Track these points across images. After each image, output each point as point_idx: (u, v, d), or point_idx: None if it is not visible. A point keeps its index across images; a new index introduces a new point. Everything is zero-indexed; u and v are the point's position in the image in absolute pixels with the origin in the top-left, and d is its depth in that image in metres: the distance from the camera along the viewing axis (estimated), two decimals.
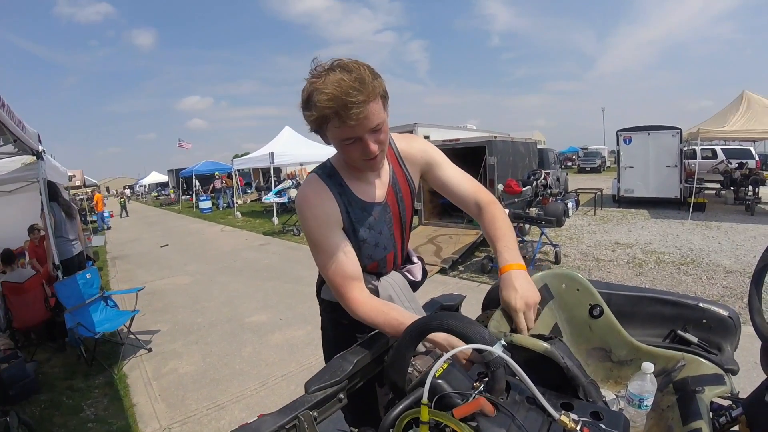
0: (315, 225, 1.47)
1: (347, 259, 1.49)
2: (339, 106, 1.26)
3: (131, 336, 5.32)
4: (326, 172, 1.57)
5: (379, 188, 1.63)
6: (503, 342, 0.97)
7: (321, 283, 1.83)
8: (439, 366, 0.97)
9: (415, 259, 1.93)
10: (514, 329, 1.32)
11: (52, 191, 6.06)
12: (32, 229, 7.28)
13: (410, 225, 1.82)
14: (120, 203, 28.76)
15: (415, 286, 1.85)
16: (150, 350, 5.25)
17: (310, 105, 1.31)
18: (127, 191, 48.18)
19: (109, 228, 19.98)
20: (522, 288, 1.36)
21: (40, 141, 5.11)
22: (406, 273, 1.84)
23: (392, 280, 1.72)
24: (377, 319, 1.40)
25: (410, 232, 1.85)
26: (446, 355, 1.00)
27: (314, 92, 1.29)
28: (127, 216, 26.55)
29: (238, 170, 22.01)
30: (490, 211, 1.67)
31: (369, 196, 1.60)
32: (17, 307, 5.20)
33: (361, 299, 1.46)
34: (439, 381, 0.97)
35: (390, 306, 1.46)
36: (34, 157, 5.34)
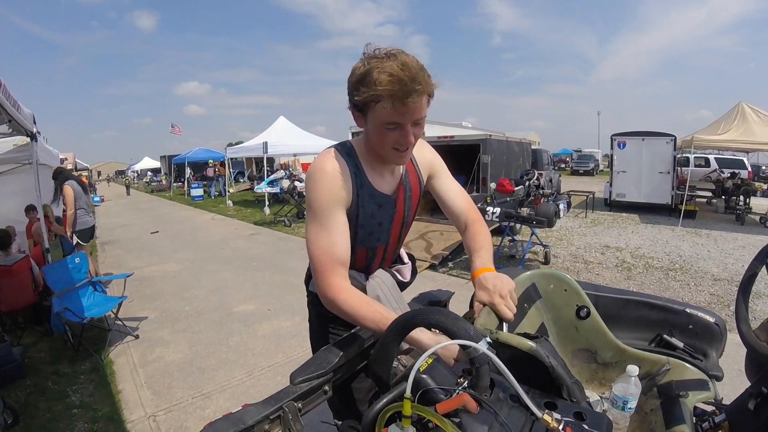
0: (324, 195, 1.45)
1: (342, 242, 1.47)
2: (398, 90, 1.29)
3: (118, 322, 5.30)
4: (346, 150, 1.56)
5: (390, 183, 1.64)
6: (488, 339, 0.97)
7: (310, 275, 1.80)
8: (424, 361, 0.98)
9: (406, 259, 1.94)
10: (500, 327, 1.32)
11: (66, 171, 6.91)
12: (29, 209, 7.27)
13: (409, 226, 1.81)
14: (125, 184, 36.99)
15: (402, 286, 1.85)
16: (137, 337, 5.23)
17: (367, 82, 1.32)
18: (130, 173, 51.38)
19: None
20: (493, 284, 1.40)
21: (35, 122, 5.08)
22: (396, 273, 1.84)
23: (380, 280, 1.71)
24: (360, 310, 1.35)
25: (407, 233, 1.85)
26: (430, 350, 1.00)
27: (374, 70, 1.30)
28: (129, 195, 31.14)
29: (231, 159, 21.93)
30: (474, 227, 1.72)
31: (380, 187, 1.60)
32: (5, 290, 5.13)
33: (344, 287, 1.42)
34: (423, 376, 0.97)
35: (373, 301, 1.44)
36: (27, 139, 5.31)
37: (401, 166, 1.66)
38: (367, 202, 1.56)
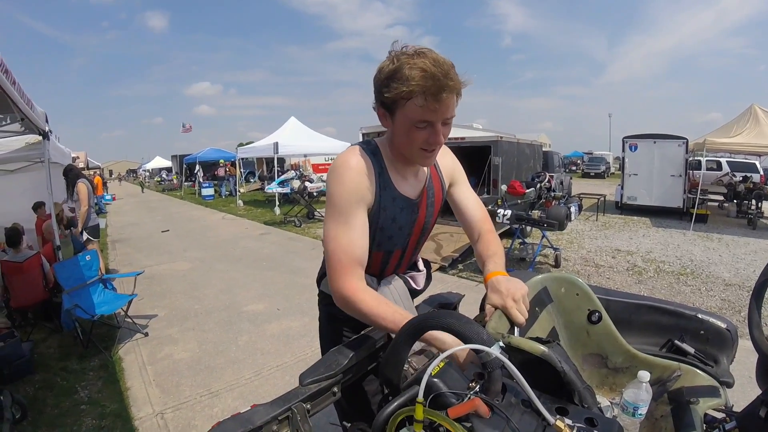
0: (348, 192, 1.42)
1: (362, 242, 1.44)
2: (432, 85, 1.26)
3: (128, 320, 5.33)
4: (371, 149, 1.54)
5: (414, 186, 1.61)
6: (501, 344, 0.97)
7: (322, 275, 1.79)
8: (436, 364, 0.97)
9: (422, 267, 1.91)
10: (512, 330, 1.31)
11: (77, 169, 7.26)
12: (38, 206, 7.35)
13: (429, 233, 1.79)
14: (140, 184, 41.60)
15: (414, 293, 1.84)
16: (146, 335, 5.25)
17: (399, 78, 1.30)
18: (142, 172, 52.84)
19: (105, 212, 19.82)
20: (506, 287, 1.38)
21: (47, 121, 5.12)
22: (409, 279, 1.82)
23: (393, 287, 1.70)
24: (378, 309, 1.32)
25: (426, 240, 1.82)
26: (443, 354, 0.99)
27: (405, 66, 1.29)
28: (143, 193, 32.84)
29: (242, 159, 22.01)
30: (488, 238, 1.71)
31: (404, 190, 1.58)
32: (15, 286, 5.18)
33: (361, 287, 1.40)
34: (435, 380, 0.96)
35: (388, 301, 1.41)
36: (39, 137, 5.35)
37: (425, 170, 1.64)
38: (389, 205, 1.53)
